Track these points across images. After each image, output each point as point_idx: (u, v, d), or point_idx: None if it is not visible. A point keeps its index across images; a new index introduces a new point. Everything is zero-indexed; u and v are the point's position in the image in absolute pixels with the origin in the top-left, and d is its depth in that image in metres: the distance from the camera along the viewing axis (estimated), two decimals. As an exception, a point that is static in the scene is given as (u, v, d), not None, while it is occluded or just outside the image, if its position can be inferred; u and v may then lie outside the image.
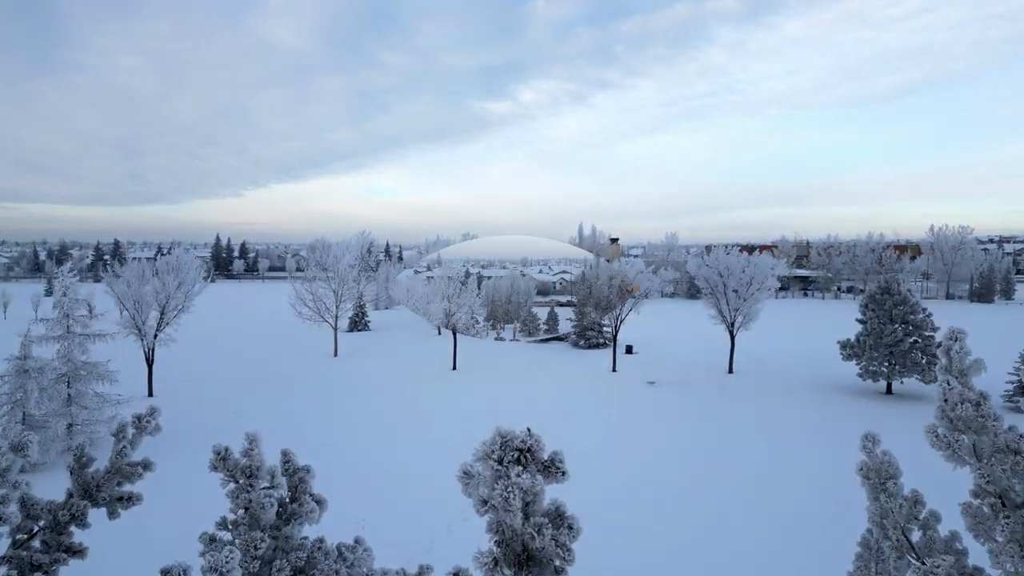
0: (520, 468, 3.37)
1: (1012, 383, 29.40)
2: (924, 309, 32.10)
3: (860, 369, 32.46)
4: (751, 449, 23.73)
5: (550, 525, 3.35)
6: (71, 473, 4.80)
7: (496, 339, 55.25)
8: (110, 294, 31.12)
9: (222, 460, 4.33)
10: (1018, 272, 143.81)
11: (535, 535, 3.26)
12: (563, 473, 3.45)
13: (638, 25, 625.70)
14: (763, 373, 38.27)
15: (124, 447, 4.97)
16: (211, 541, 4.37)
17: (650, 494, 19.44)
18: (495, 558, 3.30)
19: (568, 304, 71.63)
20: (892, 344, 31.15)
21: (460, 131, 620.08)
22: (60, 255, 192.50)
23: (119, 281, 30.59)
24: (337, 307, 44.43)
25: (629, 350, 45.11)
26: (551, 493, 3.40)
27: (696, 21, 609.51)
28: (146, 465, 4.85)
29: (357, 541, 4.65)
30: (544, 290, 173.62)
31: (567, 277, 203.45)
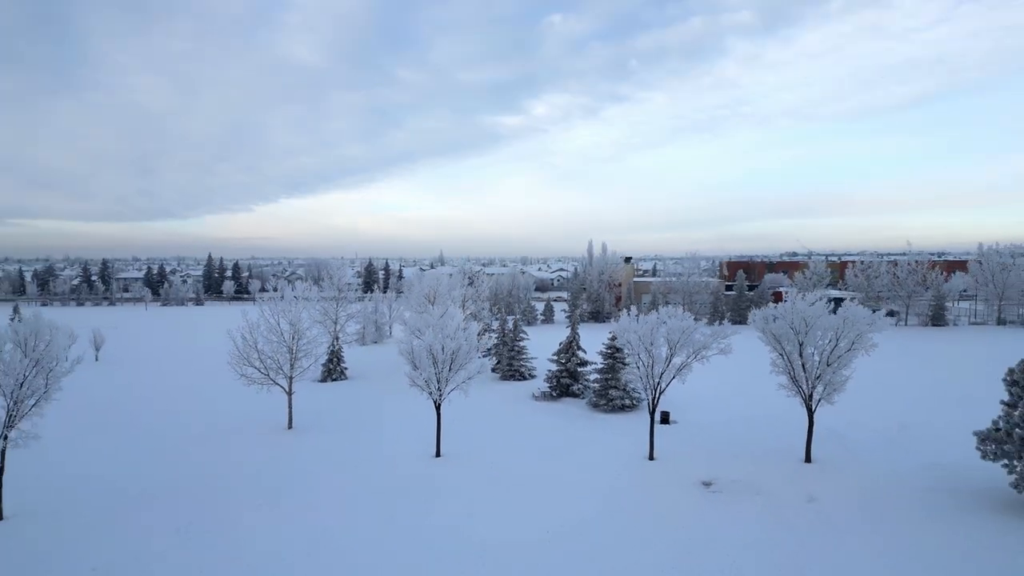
0: None
1: None
2: (1106, 389, 22.31)
3: (1014, 476, 22.61)
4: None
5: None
6: None
7: (500, 378, 45.33)
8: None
9: None
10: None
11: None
12: None
13: (653, 39, 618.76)
14: (852, 462, 28.42)
15: None
16: None
17: None
18: None
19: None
20: (1067, 444, 21.36)
21: (470, 145, 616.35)
22: (45, 275, 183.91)
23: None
24: (292, 366, 34.85)
25: (665, 419, 35.30)
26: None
27: (712, 35, 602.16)
28: None
29: None
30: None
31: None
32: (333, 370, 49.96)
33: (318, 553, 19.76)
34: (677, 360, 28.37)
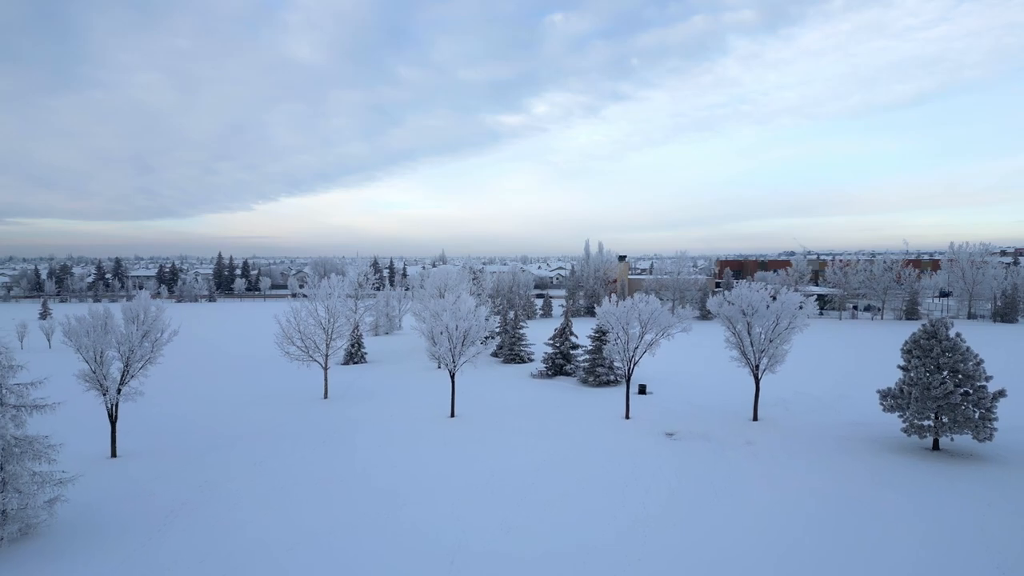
0: None
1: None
2: (975, 355, 28.68)
3: (905, 423, 28.99)
4: (785, 528, 20.24)
5: None
6: None
7: (500, 360, 51.72)
8: (68, 344, 28.08)
9: None
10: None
11: None
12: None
13: (655, 38, 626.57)
14: (791, 420, 34.80)
15: None
16: None
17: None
18: None
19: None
20: (942, 397, 27.70)
21: (472, 144, 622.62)
22: (61, 273, 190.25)
23: (79, 330, 27.55)
24: (327, 345, 41.24)
25: (642, 390, 41.70)
26: None
27: (713, 33, 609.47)
28: None
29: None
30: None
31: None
32: (355, 354, 56.38)
33: (362, 480, 26.18)
34: (648, 337, 34.75)
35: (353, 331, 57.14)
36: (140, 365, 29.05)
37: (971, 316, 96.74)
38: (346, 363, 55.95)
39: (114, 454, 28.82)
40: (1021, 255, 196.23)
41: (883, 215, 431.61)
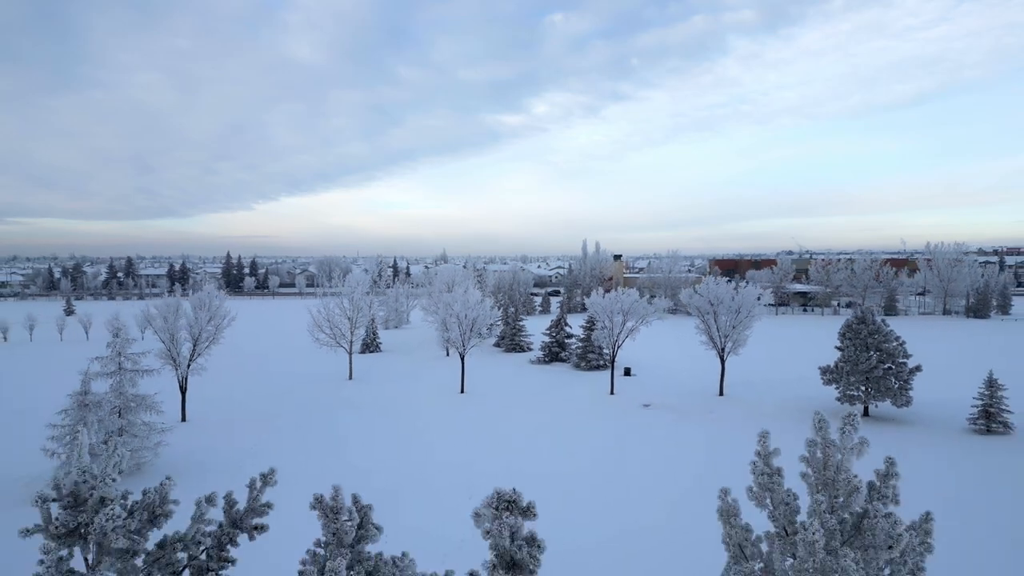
0: (508, 513, 6.08)
1: (976, 407, 31.81)
2: (897, 337, 34.61)
3: (839, 393, 34.94)
4: (728, 471, 26.16)
5: (526, 545, 6.05)
6: (224, 512, 7.64)
7: (501, 349, 57.83)
8: (149, 327, 34.03)
9: (318, 502, 7.10)
10: (1019, 285, 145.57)
11: (517, 551, 5.96)
12: (534, 516, 6.15)
13: (655, 38, 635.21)
14: (751, 396, 40.72)
15: (256, 495, 7.87)
16: (314, 555, 7.16)
17: (636, 522, 22.04)
18: (494, 564, 6.00)
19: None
20: (867, 371, 33.65)
21: (471, 144, 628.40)
22: (75, 272, 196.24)
23: (157, 315, 33.53)
24: (352, 333, 47.23)
25: (628, 372, 47.66)
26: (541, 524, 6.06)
27: (713, 33, 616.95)
28: (269, 505, 7.68)
29: (404, 554, 7.49)
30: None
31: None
32: (371, 344, 62.38)
33: (390, 439, 32.17)
34: (629, 324, 40.74)
35: (370, 323, 63.10)
36: (206, 345, 35.01)
37: (946, 312, 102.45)
38: (363, 352, 61.88)
39: (184, 419, 34.74)
40: (1009, 255, 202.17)
41: (883, 215, 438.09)
